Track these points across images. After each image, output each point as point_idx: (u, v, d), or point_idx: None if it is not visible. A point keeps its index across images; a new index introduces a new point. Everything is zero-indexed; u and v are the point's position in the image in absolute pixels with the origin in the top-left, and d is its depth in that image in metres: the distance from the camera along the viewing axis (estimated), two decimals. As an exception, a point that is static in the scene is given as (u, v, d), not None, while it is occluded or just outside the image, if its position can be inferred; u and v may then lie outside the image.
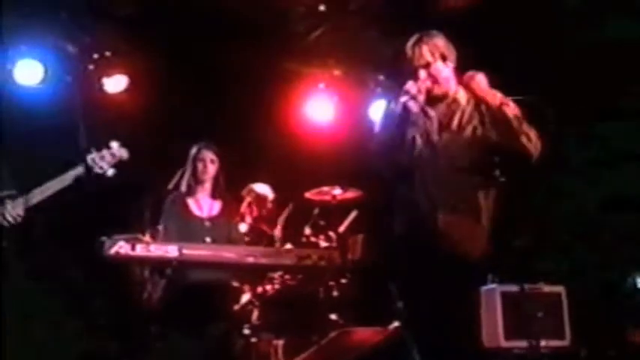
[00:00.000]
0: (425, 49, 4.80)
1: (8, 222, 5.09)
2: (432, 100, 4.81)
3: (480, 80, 4.78)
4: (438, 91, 4.80)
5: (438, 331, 4.57)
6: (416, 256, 4.68)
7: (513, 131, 4.62)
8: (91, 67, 7.41)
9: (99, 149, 5.34)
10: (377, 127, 4.95)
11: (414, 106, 4.74)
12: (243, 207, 7.06)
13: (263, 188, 7.16)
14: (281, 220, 6.95)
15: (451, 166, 4.71)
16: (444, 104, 4.83)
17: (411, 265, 4.71)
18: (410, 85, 4.75)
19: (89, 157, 5.31)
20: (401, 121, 4.74)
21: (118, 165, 5.41)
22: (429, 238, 4.66)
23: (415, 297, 4.76)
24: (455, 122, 4.78)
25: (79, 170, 5.27)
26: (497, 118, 4.67)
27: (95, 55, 7.41)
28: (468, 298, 4.66)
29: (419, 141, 4.78)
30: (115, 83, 7.50)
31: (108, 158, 5.36)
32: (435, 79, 4.79)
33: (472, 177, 4.71)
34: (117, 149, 5.42)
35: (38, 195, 5.17)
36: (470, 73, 4.81)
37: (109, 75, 7.46)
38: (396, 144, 4.76)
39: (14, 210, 5.10)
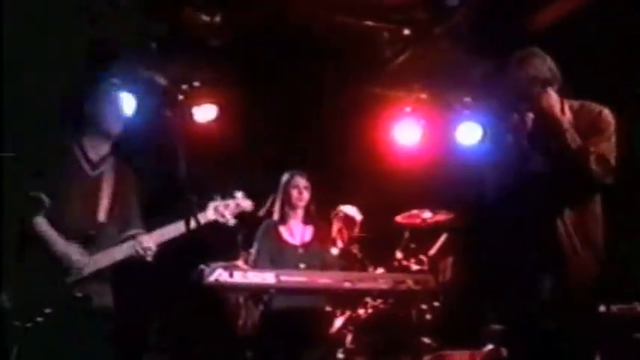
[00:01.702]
0: (525, 77, 4.62)
1: (139, 255, 5.16)
2: (537, 130, 4.66)
3: (551, 100, 4.62)
4: (543, 120, 4.62)
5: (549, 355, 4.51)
6: (523, 281, 4.63)
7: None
8: (181, 97, 7.52)
9: (224, 197, 5.42)
10: (489, 161, 4.86)
11: (521, 138, 4.63)
12: (334, 232, 7.11)
13: (351, 210, 7.21)
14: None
15: (559, 199, 4.61)
16: (550, 135, 4.64)
17: (517, 289, 4.67)
18: (515, 120, 4.64)
19: (213, 205, 5.40)
20: (512, 154, 4.65)
21: (240, 216, 5.50)
22: (539, 263, 4.60)
23: (520, 320, 4.70)
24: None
25: (210, 215, 5.38)
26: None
27: (184, 86, 7.52)
28: (579, 322, 4.56)
29: (527, 171, 4.65)
30: (205, 112, 7.60)
31: (232, 208, 5.45)
32: (538, 111, 4.62)
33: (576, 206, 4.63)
34: (242, 200, 5.51)
35: (172, 232, 5.23)
36: (542, 90, 4.62)
37: (198, 105, 7.57)
38: (508, 177, 4.67)
39: (147, 243, 5.17)
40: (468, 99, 8.03)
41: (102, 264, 5.12)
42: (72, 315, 4.94)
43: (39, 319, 4.86)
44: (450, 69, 7.62)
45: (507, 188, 4.68)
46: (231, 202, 5.44)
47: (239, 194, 5.46)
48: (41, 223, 5.03)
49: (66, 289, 4.98)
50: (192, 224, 5.08)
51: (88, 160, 5.26)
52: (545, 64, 4.67)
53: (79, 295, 4.99)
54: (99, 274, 5.13)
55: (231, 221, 5.43)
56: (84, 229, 5.12)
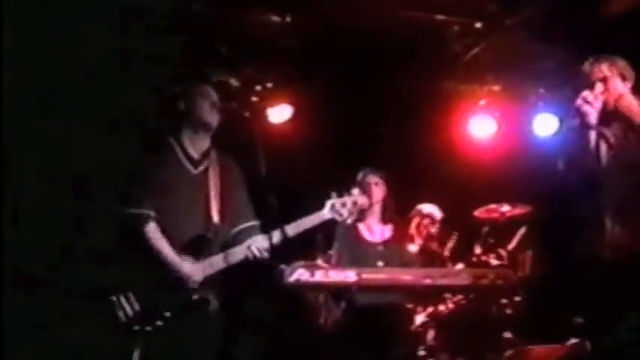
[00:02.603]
0: (604, 65, 4.76)
1: (253, 255, 5.08)
2: (607, 115, 4.72)
3: (628, 98, 4.73)
4: (613, 106, 4.72)
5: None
6: (602, 274, 4.63)
7: None
8: (254, 98, 7.55)
9: (340, 195, 5.30)
10: (565, 152, 4.87)
11: (590, 112, 4.65)
12: (412, 228, 7.10)
13: (431, 208, 7.19)
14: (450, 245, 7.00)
15: (623, 185, 4.66)
16: (618, 123, 4.74)
17: (599, 283, 4.65)
18: (586, 93, 4.68)
19: (330, 203, 5.29)
20: (579, 128, 4.68)
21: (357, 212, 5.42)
22: (615, 257, 4.60)
23: (604, 314, 4.68)
24: (626, 144, 4.71)
25: (326, 214, 5.29)
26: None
27: (257, 87, 7.56)
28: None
29: (595, 155, 4.70)
30: (279, 113, 7.63)
31: (349, 205, 5.31)
32: (611, 94, 4.71)
33: None
34: (358, 196, 5.36)
35: (289, 231, 5.13)
36: (619, 91, 4.74)
37: (272, 105, 7.60)
38: (578, 155, 4.71)
39: (261, 243, 5.09)
40: (542, 90, 7.95)
41: (219, 266, 5.06)
42: (190, 318, 4.93)
43: (159, 322, 4.87)
44: (523, 60, 7.57)
45: (584, 179, 4.69)
46: (348, 200, 5.30)
47: (355, 191, 5.37)
48: (151, 232, 4.98)
49: (183, 293, 4.96)
50: (313, 222, 5.22)
51: (189, 158, 5.20)
52: (622, 61, 4.82)
53: (196, 297, 4.98)
54: (213, 277, 5.08)
55: (349, 219, 5.40)
56: (200, 232, 5.08)
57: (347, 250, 6.40)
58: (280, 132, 7.57)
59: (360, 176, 6.60)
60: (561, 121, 7.70)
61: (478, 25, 7.21)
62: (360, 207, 5.39)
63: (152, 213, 4.99)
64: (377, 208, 6.57)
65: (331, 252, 6.52)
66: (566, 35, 6.81)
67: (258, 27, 7.07)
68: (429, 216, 7.20)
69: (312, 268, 5.84)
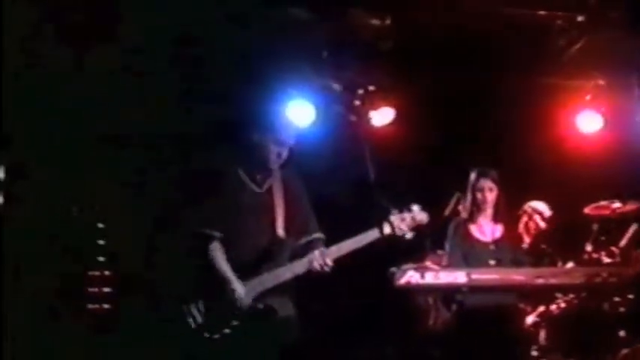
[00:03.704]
0: None
1: (314, 268, 5.29)
2: None
3: None
4: None
5: None
6: None
7: None
8: (357, 102, 7.57)
9: (400, 210, 5.43)
10: None
11: None
12: (521, 227, 7.01)
13: (540, 205, 7.09)
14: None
15: None
16: None
17: None
18: None
19: (390, 218, 5.42)
20: None
21: (417, 228, 5.50)
22: None
23: None
24: None
25: (386, 230, 5.40)
26: None
27: (360, 91, 7.57)
28: None
29: None
30: (382, 116, 7.62)
31: (408, 221, 5.44)
32: None
33: None
34: (418, 212, 5.49)
35: (350, 246, 5.35)
36: None
37: (375, 108, 7.59)
38: None
39: (323, 258, 5.29)
40: (649, 83, 7.78)
41: (284, 278, 5.30)
42: (256, 326, 5.19)
43: (226, 330, 5.14)
44: (628, 53, 7.40)
45: None
46: (407, 216, 5.44)
47: (415, 207, 5.45)
48: (214, 251, 5.29)
49: (249, 303, 5.21)
50: (369, 239, 5.35)
51: (254, 179, 5.46)
52: None
53: (261, 306, 5.21)
54: (281, 287, 5.30)
55: (408, 234, 5.44)
56: (265, 246, 5.33)
57: (458, 249, 6.38)
58: (384, 134, 7.56)
59: (472, 178, 6.56)
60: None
61: (581, 18, 7.10)
62: (419, 223, 5.47)
63: (217, 234, 5.31)
64: (489, 210, 6.53)
65: (441, 252, 6.51)
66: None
67: (359, 30, 7.08)
68: (538, 213, 7.09)
69: (421, 270, 5.85)
